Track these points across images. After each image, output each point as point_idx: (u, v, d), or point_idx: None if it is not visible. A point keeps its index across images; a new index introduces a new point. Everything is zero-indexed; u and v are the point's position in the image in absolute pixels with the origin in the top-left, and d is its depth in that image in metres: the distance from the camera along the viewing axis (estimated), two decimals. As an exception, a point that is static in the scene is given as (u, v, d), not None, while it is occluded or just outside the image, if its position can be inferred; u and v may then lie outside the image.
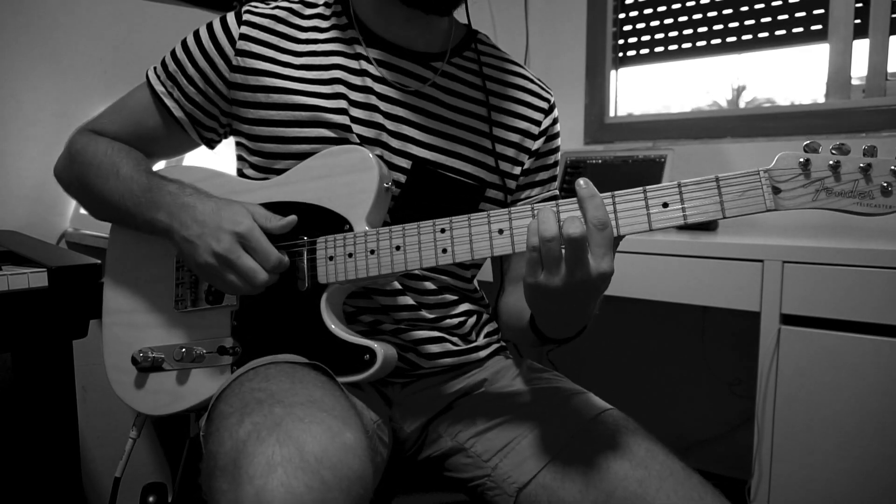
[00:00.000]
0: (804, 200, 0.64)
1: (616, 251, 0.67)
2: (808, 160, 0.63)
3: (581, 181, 0.66)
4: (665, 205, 0.66)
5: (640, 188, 0.66)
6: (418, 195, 0.87)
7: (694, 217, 0.65)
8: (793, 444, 1.16)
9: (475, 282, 1.02)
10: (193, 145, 0.96)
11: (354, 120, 0.85)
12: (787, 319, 1.16)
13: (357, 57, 0.88)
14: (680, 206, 0.65)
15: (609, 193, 0.67)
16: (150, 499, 0.97)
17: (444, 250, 0.73)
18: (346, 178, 0.81)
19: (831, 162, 0.63)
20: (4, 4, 1.41)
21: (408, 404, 0.91)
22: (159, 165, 0.98)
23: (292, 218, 0.81)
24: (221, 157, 1.02)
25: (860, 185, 0.63)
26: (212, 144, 0.96)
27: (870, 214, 0.63)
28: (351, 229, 0.79)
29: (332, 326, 0.79)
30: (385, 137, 0.86)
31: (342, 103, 0.85)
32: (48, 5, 1.47)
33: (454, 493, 0.87)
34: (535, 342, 0.86)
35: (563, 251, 0.64)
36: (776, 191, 0.64)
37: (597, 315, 0.78)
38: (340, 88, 0.86)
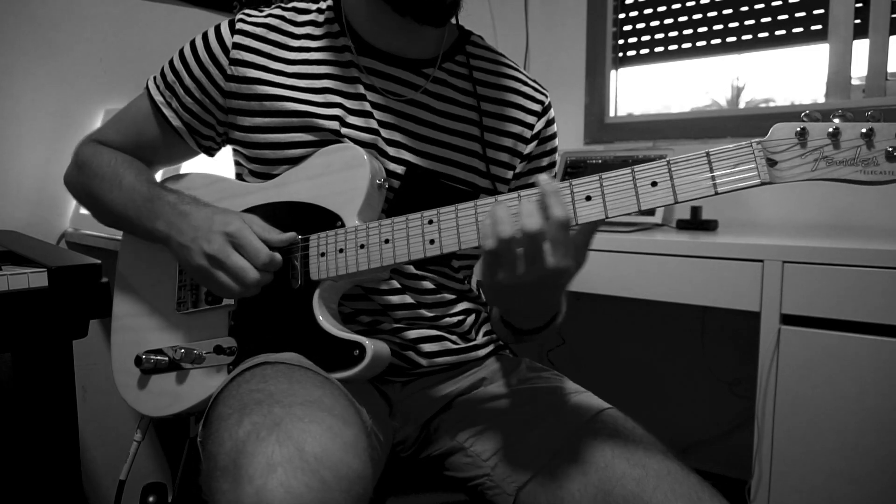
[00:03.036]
0: (802, 171, 0.60)
1: (591, 243, 0.68)
2: (804, 129, 0.59)
3: (542, 176, 0.65)
4: (654, 184, 0.63)
5: (628, 168, 0.64)
6: (411, 201, 0.86)
7: (685, 194, 0.62)
8: (793, 444, 1.16)
9: (471, 282, 1.02)
10: (192, 153, 0.97)
11: (351, 126, 0.86)
12: (787, 319, 1.16)
13: (349, 65, 0.88)
14: (670, 185, 0.62)
15: (596, 175, 0.65)
16: (151, 499, 0.98)
17: (432, 241, 0.73)
18: (339, 176, 0.82)
19: (830, 129, 0.58)
20: (4, 4, 1.41)
21: (407, 403, 0.91)
22: (159, 174, 0.99)
23: (291, 235, 0.81)
24: (220, 163, 1.03)
25: (862, 152, 0.58)
26: (211, 152, 0.97)
27: (874, 183, 0.58)
28: (343, 226, 0.80)
29: (322, 321, 0.79)
30: (381, 144, 0.87)
31: (336, 110, 0.86)
32: (48, 5, 1.47)
33: (454, 493, 0.87)
34: (510, 336, 0.88)
35: (522, 249, 0.64)
36: (771, 163, 0.60)
37: (572, 303, 0.81)
38: (334, 97, 0.87)
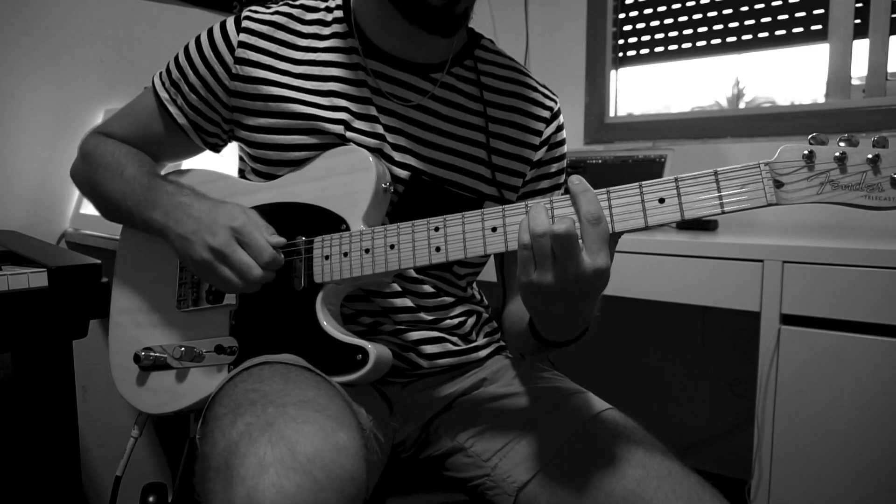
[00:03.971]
0: (808, 194, 0.61)
1: (615, 250, 0.66)
2: (811, 152, 0.60)
3: (574, 178, 0.65)
4: (661, 200, 0.64)
5: (636, 183, 0.64)
6: (416, 207, 0.86)
7: (691, 213, 0.63)
8: (793, 444, 1.16)
9: (473, 287, 1.02)
10: (198, 150, 0.97)
11: (356, 130, 0.85)
12: (787, 319, 1.16)
13: (356, 67, 0.88)
14: (677, 202, 0.63)
15: (604, 189, 0.65)
16: (150, 499, 0.98)
17: (438, 248, 0.73)
18: (344, 179, 0.82)
19: (837, 154, 0.60)
20: (4, 4, 1.41)
21: (408, 404, 0.91)
22: (164, 170, 0.98)
23: (282, 240, 0.81)
24: (224, 160, 1.03)
25: (868, 178, 0.59)
26: (216, 149, 0.96)
27: (879, 208, 0.59)
28: (348, 229, 0.79)
29: (326, 325, 0.79)
30: (386, 149, 0.86)
31: (342, 114, 0.85)
32: (48, 5, 1.47)
33: (454, 493, 0.87)
34: (536, 347, 0.84)
35: (554, 248, 0.62)
36: (778, 184, 0.61)
37: (598, 317, 0.77)
38: (340, 101, 0.86)
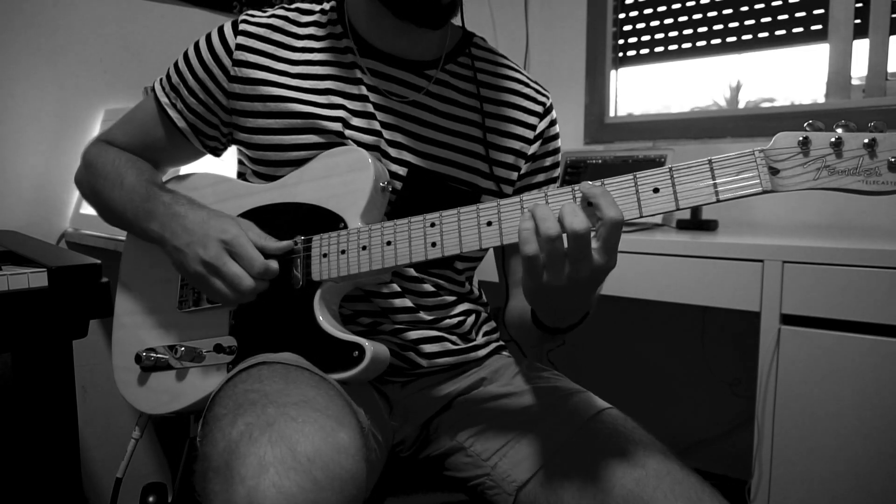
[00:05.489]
0: (804, 180, 0.60)
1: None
2: (807, 138, 0.60)
3: (588, 183, 0.65)
4: (656, 190, 0.64)
5: (631, 174, 0.64)
6: (414, 203, 0.86)
7: (686, 201, 0.62)
8: (793, 444, 1.16)
9: (472, 283, 1.02)
10: (199, 154, 0.98)
11: (354, 128, 0.86)
12: (787, 319, 1.16)
13: (352, 66, 0.89)
14: (671, 191, 0.63)
15: (599, 181, 0.66)
16: (150, 499, 0.98)
17: (434, 244, 0.73)
18: (343, 178, 0.82)
19: (833, 139, 0.59)
20: (4, 4, 1.41)
21: (407, 403, 0.91)
22: (166, 175, 0.99)
23: (288, 243, 0.81)
24: (226, 163, 1.03)
25: (864, 162, 0.58)
26: (217, 152, 0.97)
27: (876, 193, 0.59)
28: (346, 227, 0.80)
29: (322, 321, 0.79)
30: (383, 146, 0.87)
31: (339, 112, 0.86)
32: (48, 5, 1.47)
33: (454, 493, 0.87)
34: (541, 336, 0.86)
35: (567, 249, 0.63)
36: (774, 171, 0.61)
37: (599, 298, 0.79)
38: (336, 99, 0.87)
